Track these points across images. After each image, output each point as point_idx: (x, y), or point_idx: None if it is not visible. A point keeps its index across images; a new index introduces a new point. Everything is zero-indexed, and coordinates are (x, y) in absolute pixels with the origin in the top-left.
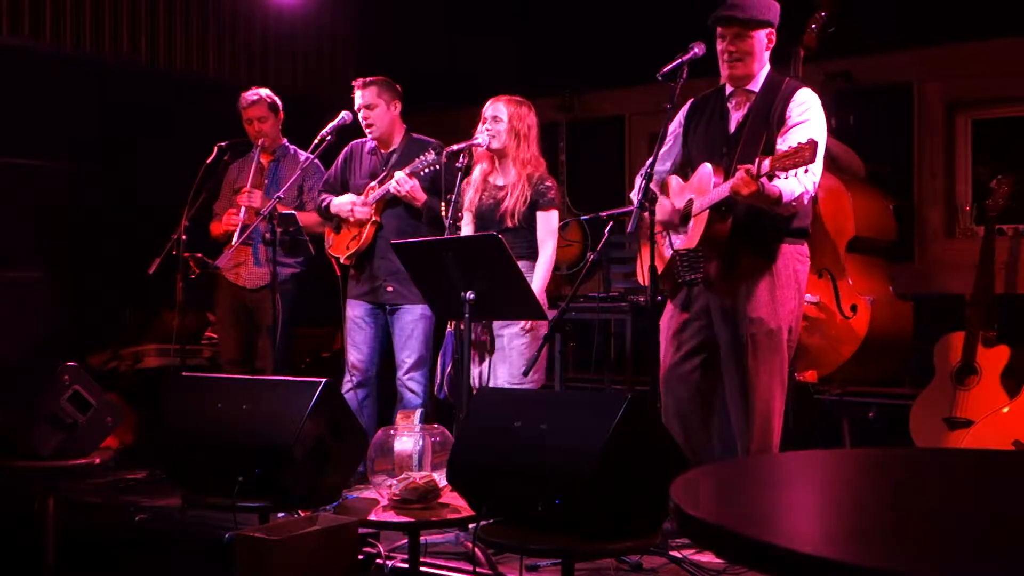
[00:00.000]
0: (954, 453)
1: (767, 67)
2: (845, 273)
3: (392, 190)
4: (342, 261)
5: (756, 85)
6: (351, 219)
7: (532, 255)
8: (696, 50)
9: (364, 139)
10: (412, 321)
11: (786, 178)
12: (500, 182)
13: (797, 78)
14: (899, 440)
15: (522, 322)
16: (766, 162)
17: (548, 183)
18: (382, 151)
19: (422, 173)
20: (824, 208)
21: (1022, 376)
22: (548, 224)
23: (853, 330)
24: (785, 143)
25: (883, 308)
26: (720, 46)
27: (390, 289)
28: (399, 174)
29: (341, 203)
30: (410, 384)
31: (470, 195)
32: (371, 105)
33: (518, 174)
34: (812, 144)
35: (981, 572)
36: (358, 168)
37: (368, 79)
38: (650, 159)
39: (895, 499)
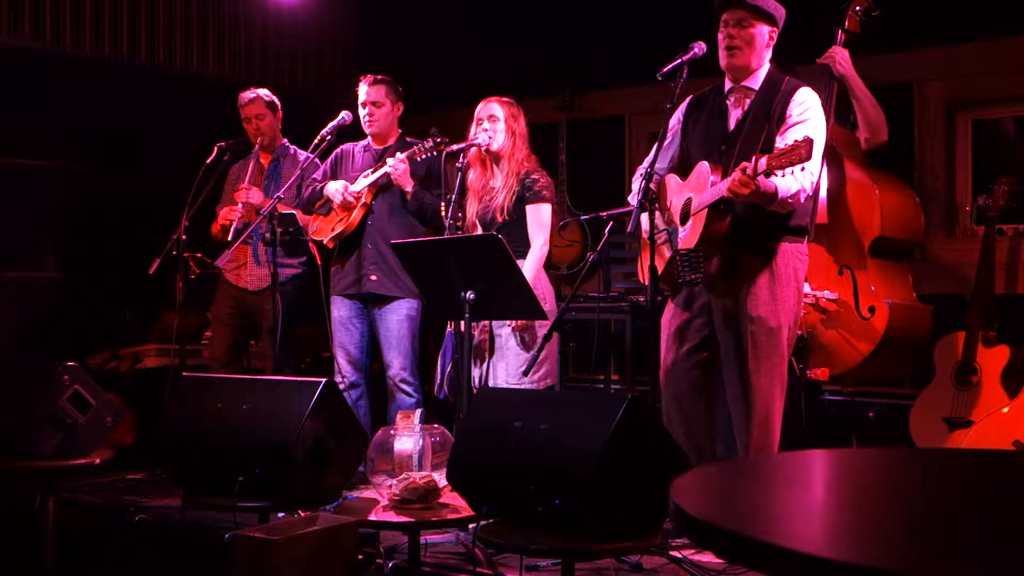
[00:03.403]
0: (954, 453)
1: (767, 66)
2: (867, 273)
3: (389, 169)
4: (325, 242)
5: (755, 83)
6: (339, 201)
7: (524, 252)
8: (696, 50)
9: (354, 142)
10: (398, 321)
11: (783, 176)
12: (496, 183)
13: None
14: (899, 440)
15: (524, 322)
16: (763, 160)
17: (536, 176)
18: (376, 147)
19: (418, 159)
20: (852, 200)
21: (1022, 376)
22: (537, 217)
23: (868, 332)
24: (783, 142)
25: (902, 312)
26: (721, 34)
27: (373, 278)
28: (397, 156)
29: (333, 187)
30: (402, 385)
31: (475, 207)
32: (377, 103)
33: (511, 172)
34: (808, 142)
35: (981, 572)
36: (350, 165)
37: (378, 77)
38: (649, 158)
39: (894, 499)
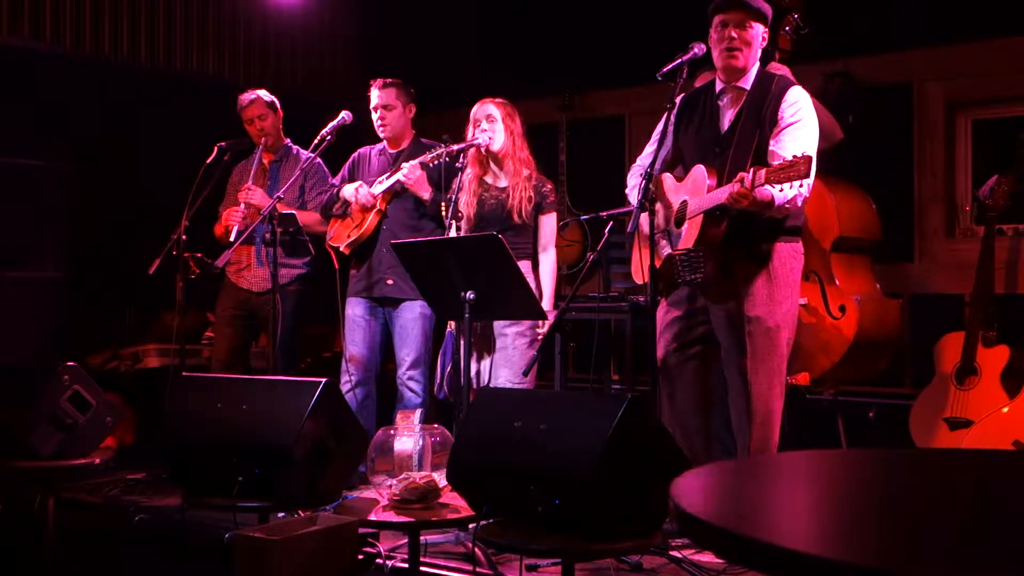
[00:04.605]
0: (954, 453)
1: (758, 65)
2: (832, 274)
3: (402, 178)
4: (342, 249)
5: (747, 83)
6: (355, 201)
7: (531, 255)
8: (696, 50)
9: (370, 146)
10: (412, 319)
11: (781, 190)
12: (501, 183)
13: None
14: (899, 440)
15: (526, 322)
16: (761, 173)
17: (549, 186)
18: (391, 151)
19: (431, 164)
20: (808, 210)
21: (1022, 376)
22: (551, 227)
23: (842, 331)
24: (779, 144)
25: (871, 307)
26: (718, 35)
27: (390, 282)
28: (409, 163)
29: (350, 188)
30: (410, 383)
31: (465, 199)
32: (389, 106)
33: (517, 172)
34: (807, 159)
35: (981, 572)
36: (367, 169)
37: (388, 80)
38: (647, 158)
39: (894, 499)
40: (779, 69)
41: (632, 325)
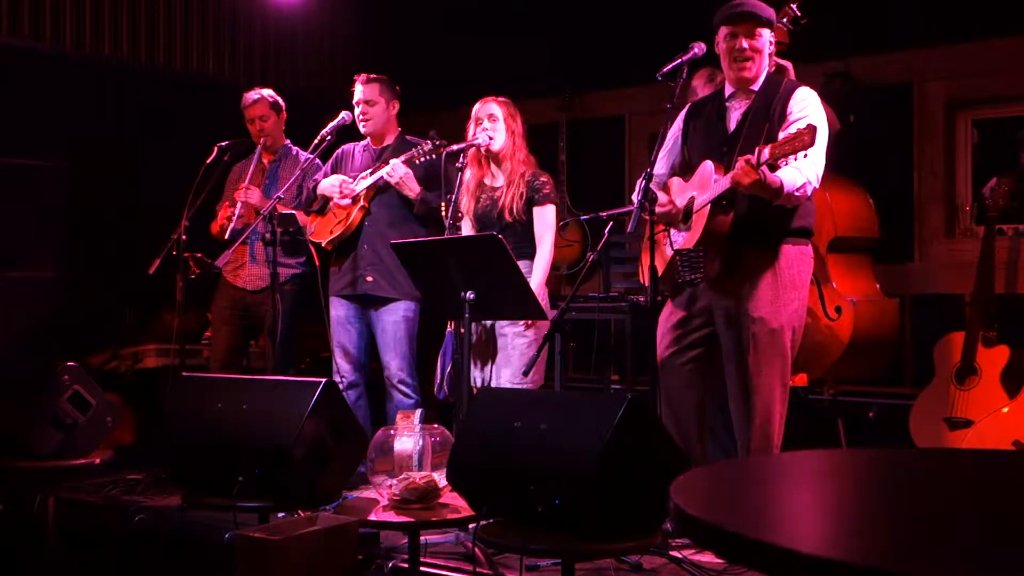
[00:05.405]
0: (954, 453)
1: (767, 69)
2: (829, 275)
3: (385, 176)
4: (323, 245)
5: (756, 85)
6: (337, 198)
7: (532, 254)
8: (696, 50)
9: (355, 142)
10: (394, 323)
11: (788, 167)
12: (497, 183)
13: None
14: (899, 440)
15: (524, 321)
16: (766, 150)
17: (543, 179)
18: (374, 147)
19: (417, 162)
20: None
21: (1022, 376)
22: (545, 219)
23: (837, 334)
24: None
25: (868, 307)
26: (727, 45)
27: (369, 279)
28: (394, 161)
29: (329, 182)
30: (399, 386)
31: (466, 200)
32: (371, 101)
33: (514, 171)
34: (811, 128)
35: (981, 572)
36: (350, 164)
37: (371, 75)
38: (652, 159)
39: (895, 499)
40: (781, 62)
41: (632, 325)
